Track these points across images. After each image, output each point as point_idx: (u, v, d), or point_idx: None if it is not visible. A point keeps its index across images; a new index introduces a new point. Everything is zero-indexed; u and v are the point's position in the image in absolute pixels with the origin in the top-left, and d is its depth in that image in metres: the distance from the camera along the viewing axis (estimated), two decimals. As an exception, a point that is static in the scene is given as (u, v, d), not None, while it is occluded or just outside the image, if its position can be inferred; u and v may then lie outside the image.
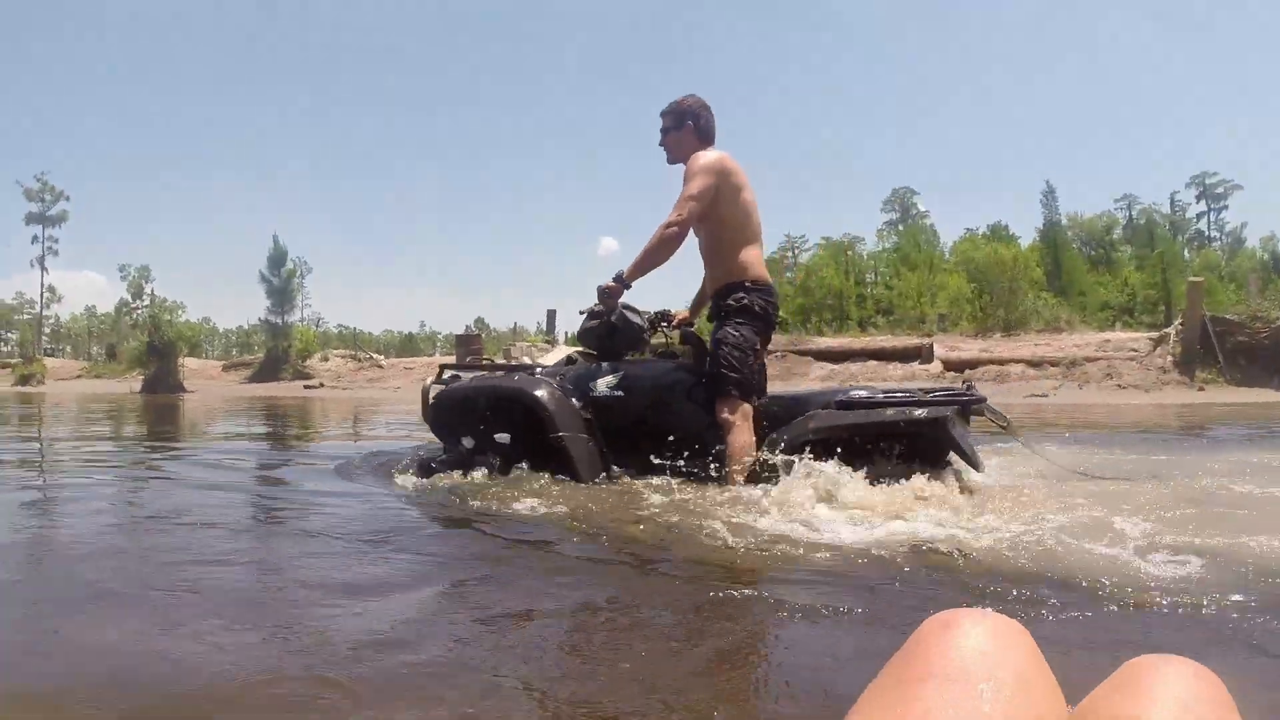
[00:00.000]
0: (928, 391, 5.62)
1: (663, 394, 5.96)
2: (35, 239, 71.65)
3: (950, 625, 0.84)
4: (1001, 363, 28.41)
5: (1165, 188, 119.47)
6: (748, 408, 5.65)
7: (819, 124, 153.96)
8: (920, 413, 5.17)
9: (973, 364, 28.81)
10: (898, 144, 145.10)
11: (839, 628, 2.76)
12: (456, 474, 5.97)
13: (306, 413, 20.76)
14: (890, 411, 5.29)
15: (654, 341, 6.71)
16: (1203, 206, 79.63)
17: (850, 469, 5.00)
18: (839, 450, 5.13)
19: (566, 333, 45.86)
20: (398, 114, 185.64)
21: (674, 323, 6.62)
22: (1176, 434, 11.44)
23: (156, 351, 43.38)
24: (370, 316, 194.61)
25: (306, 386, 40.05)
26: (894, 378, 28.29)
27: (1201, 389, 22.94)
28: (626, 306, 6.24)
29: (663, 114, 6.26)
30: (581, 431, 5.95)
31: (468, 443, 6.26)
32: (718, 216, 5.84)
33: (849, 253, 59.39)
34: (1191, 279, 30.01)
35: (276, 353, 48.20)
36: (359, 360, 47.26)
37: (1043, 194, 65.86)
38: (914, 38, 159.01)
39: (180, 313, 52.11)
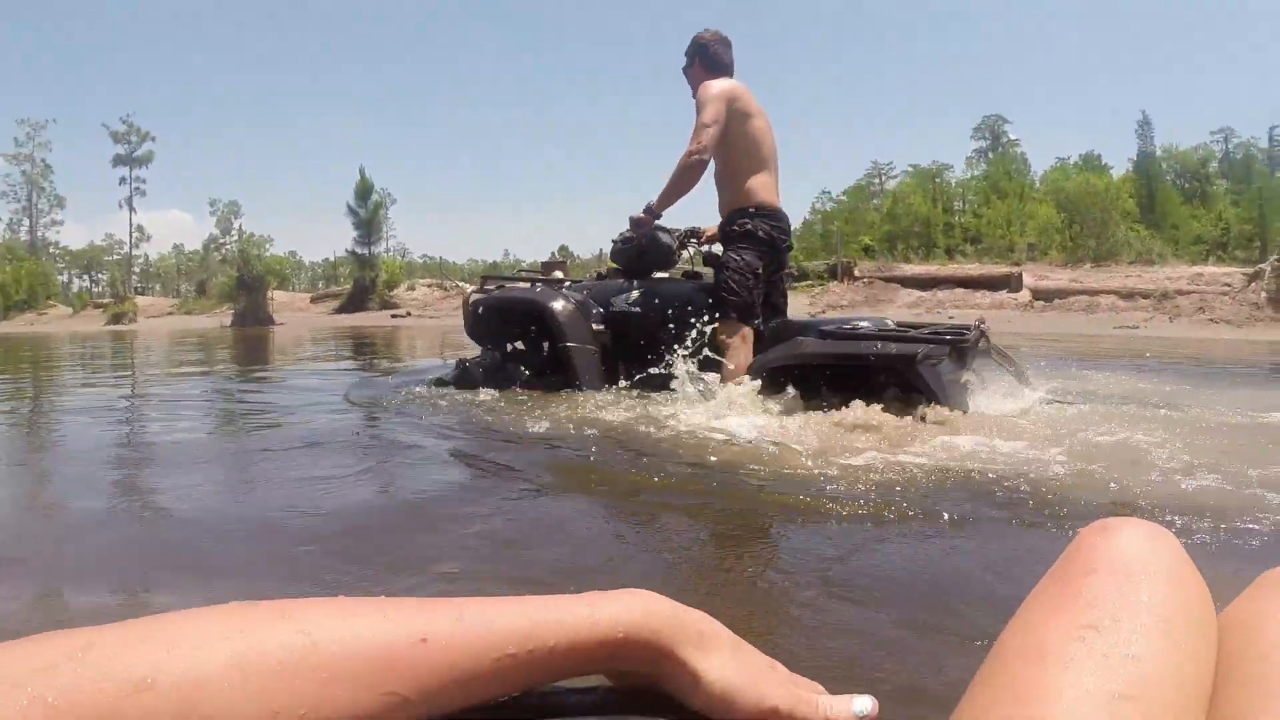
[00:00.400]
0: (930, 330, 5.85)
1: (676, 312, 6.27)
2: (123, 180, 72.35)
3: (1108, 529, 0.89)
4: (1092, 293, 27.93)
5: (1265, 121, 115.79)
6: (747, 330, 5.98)
7: (909, 49, 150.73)
8: (891, 348, 5.32)
9: (1062, 294, 28.52)
10: (989, 70, 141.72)
11: (840, 527, 3.12)
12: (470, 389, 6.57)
13: (393, 340, 21.36)
14: (863, 345, 5.47)
15: (682, 262, 7.17)
16: (1305, 141, 76.90)
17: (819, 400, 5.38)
18: (822, 378, 5.51)
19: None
20: (484, 43, 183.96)
21: (702, 239, 6.99)
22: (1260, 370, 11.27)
23: (246, 286, 43.88)
24: (455, 246, 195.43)
25: (394, 316, 40.32)
26: (982, 305, 27.94)
27: (1295, 326, 22.53)
28: (658, 227, 6.69)
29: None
30: (589, 343, 6.47)
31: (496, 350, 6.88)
32: (726, 143, 6.09)
33: (937, 180, 58.80)
34: None
35: (363, 283, 48.01)
36: (444, 289, 47.42)
37: (1138, 124, 64.97)
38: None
39: (268, 246, 52.39)
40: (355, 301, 47.01)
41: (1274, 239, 35.99)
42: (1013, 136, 74.98)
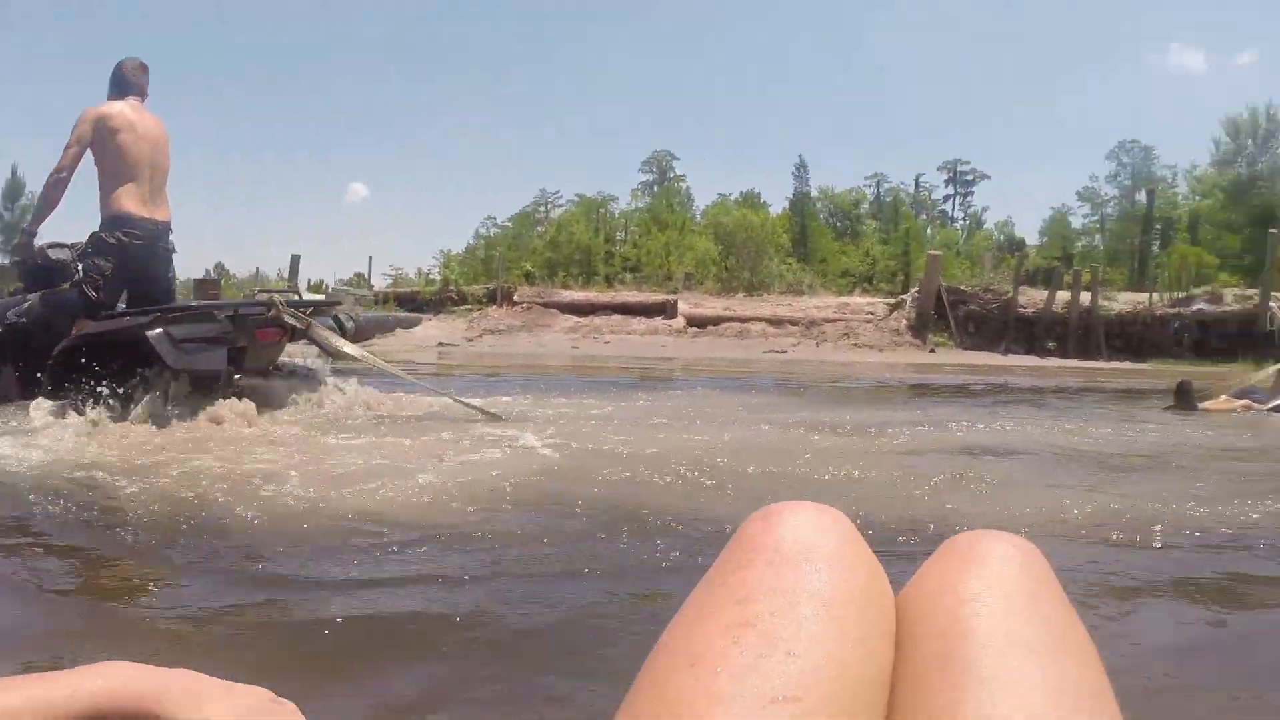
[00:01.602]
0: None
1: (51, 320, 6.56)
2: None
3: (770, 515, 0.86)
4: (744, 320, 28.82)
5: (912, 170, 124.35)
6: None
7: (587, 81, 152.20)
8: (127, 323, 5.81)
9: (715, 320, 29.23)
10: (661, 108, 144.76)
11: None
12: None
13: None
14: (110, 323, 6.04)
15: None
16: (951, 190, 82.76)
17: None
18: (101, 359, 5.80)
19: (309, 280, 43.97)
20: (142, 41, 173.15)
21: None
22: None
23: None
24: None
25: None
26: (638, 332, 28.65)
27: (933, 350, 23.68)
28: (52, 245, 6.97)
29: None
30: None
31: None
32: (96, 160, 6.57)
33: (601, 210, 59.60)
34: (931, 251, 32.43)
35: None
36: None
37: (795, 166, 68.13)
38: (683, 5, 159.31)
39: (-109, 250, 47.33)
40: (-1, 315, 42.69)
41: (916, 274, 38.11)
42: (679, 172, 77.05)
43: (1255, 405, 9.04)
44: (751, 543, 0.83)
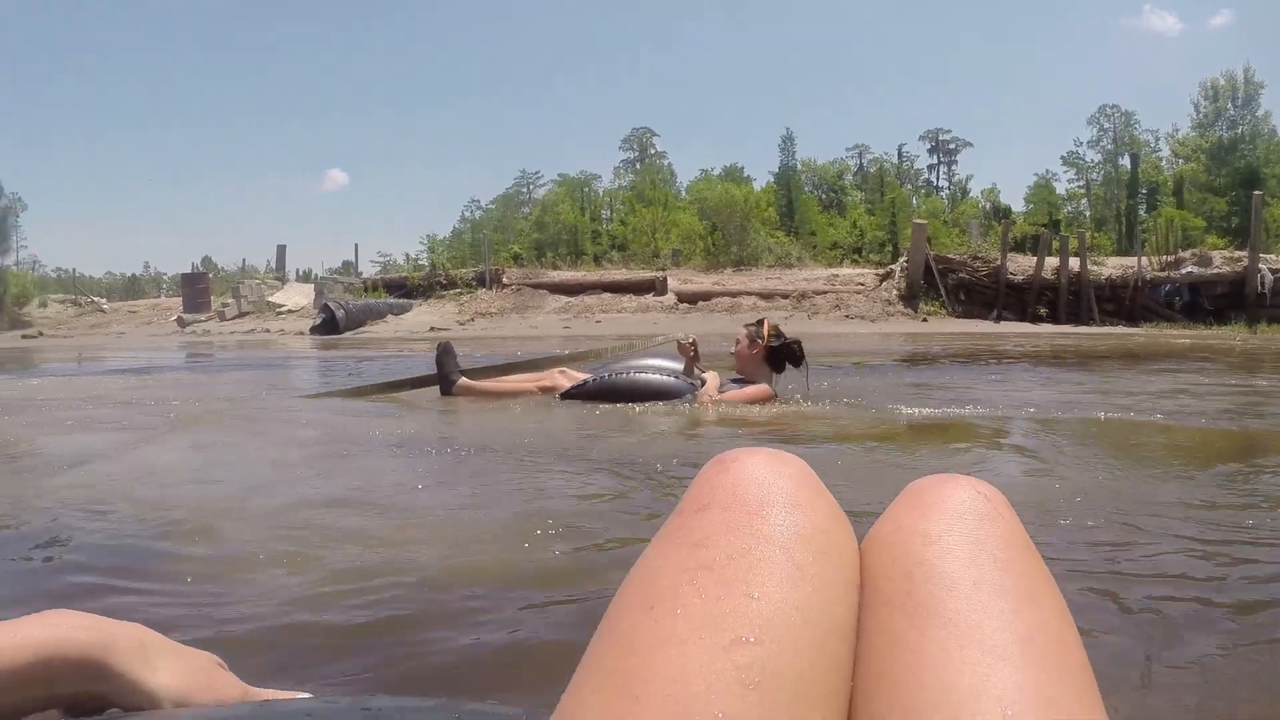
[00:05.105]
0: None
1: None
2: None
3: (724, 461, 0.86)
4: (734, 295, 28.64)
5: (895, 139, 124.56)
6: None
7: (559, 63, 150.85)
8: None
9: (706, 296, 29.08)
10: (640, 85, 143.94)
11: None
12: None
13: (20, 361, 17.93)
14: None
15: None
16: (934, 159, 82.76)
17: None
18: None
19: (297, 270, 43.83)
20: (112, 41, 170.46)
21: None
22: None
23: None
24: (92, 258, 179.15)
25: (25, 336, 34.86)
26: (629, 309, 28.47)
27: (925, 320, 23.60)
28: None
29: None
30: None
31: None
32: None
33: (585, 189, 59.53)
34: (916, 220, 32.54)
35: None
36: (80, 305, 43.14)
37: (781, 139, 68.09)
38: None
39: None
40: (-20, 320, 42.18)
41: (904, 244, 38.02)
42: (660, 149, 76.92)
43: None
44: (708, 487, 0.84)
